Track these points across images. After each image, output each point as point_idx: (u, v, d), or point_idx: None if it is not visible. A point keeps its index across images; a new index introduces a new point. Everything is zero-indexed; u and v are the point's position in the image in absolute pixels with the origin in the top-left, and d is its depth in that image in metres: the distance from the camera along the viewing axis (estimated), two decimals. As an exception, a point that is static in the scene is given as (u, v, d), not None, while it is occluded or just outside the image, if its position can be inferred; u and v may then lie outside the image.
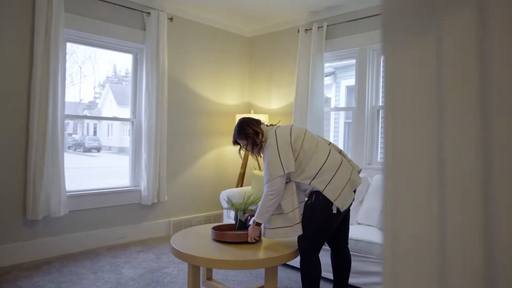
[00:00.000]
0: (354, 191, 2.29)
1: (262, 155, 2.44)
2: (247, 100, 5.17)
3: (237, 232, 2.51)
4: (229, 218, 3.89)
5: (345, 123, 6.60)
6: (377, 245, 2.68)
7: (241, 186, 4.61)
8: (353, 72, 5.41)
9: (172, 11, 4.22)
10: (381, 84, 3.95)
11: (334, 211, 2.19)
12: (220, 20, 4.70)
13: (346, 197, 2.20)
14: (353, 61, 4.73)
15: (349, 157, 2.51)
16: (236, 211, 2.64)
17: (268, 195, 2.26)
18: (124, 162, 4.32)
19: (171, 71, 4.28)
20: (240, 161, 5.02)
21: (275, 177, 2.22)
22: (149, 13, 3.93)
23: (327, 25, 4.16)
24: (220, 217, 4.88)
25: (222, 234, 2.48)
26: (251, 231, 2.42)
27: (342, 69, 6.72)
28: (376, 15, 3.78)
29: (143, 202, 4.02)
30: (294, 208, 2.28)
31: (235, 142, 2.50)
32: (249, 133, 2.37)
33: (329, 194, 2.18)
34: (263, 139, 2.35)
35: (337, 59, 4.30)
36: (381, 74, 3.95)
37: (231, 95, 4.99)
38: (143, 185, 4.01)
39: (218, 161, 4.86)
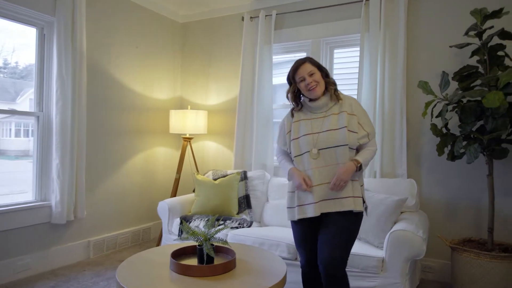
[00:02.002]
0: None
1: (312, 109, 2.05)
2: (180, 95, 4.52)
3: (210, 264, 1.94)
4: (170, 234, 3.24)
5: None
6: (361, 256, 2.38)
7: (175, 194, 3.95)
8: (279, 70, 5.16)
9: (91, -21, 3.39)
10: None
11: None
12: (149, -2, 3.99)
13: None
14: (295, 55, 4.47)
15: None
16: (200, 242, 2.01)
17: (376, 150, 2.02)
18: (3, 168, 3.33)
19: (91, 55, 3.43)
20: (174, 165, 4.35)
21: (375, 134, 2.02)
22: (61, -23, 3.06)
23: (276, 14, 3.79)
24: (150, 231, 4.15)
25: (189, 268, 1.89)
26: (348, 171, 1.88)
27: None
28: (331, 5, 3.54)
29: (54, 220, 3.11)
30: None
31: (292, 78, 2.04)
32: (324, 68, 2.06)
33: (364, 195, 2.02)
34: (337, 93, 2.05)
35: (286, 51, 3.96)
36: (334, 69, 3.72)
37: (162, 89, 4.29)
38: (54, 199, 3.10)
39: (147, 166, 4.12)
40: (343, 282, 1.89)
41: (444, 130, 2.77)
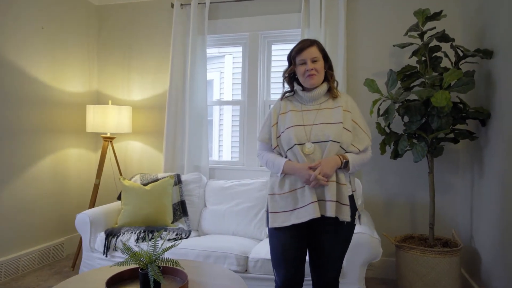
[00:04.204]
0: None
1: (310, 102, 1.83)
2: (96, 88, 3.92)
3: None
4: (92, 251, 2.73)
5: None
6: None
7: (95, 203, 3.39)
8: (214, 65, 4.91)
9: None
10: (272, 77, 3.56)
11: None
12: (59, -28, 3.35)
13: None
14: (230, 49, 4.22)
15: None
16: (144, 265, 1.64)
17: (370, 158, 1.83)
18: None
19: (-20, 33, 2.73)
20: (91, 169, 3.75)
21: (370, 142, 1.82)
22: None
23: (210, 2, 3.48)
24: (62, 247, 3.51)
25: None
26: (331, 163, 1.66)
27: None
28: (271, -3, 3.37)
29: None
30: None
31: (293, 58, 1.81)
32: (329, 59, 1.85)
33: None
34: (335, 87, 1.85)
35: (222, 44, 3.67)
36: (272, 66, 3.56)
37: (75, 80, 3.66)
38: None
39: (58, 171, 3.47)
40: None
41: (387, 129, 2.79)
